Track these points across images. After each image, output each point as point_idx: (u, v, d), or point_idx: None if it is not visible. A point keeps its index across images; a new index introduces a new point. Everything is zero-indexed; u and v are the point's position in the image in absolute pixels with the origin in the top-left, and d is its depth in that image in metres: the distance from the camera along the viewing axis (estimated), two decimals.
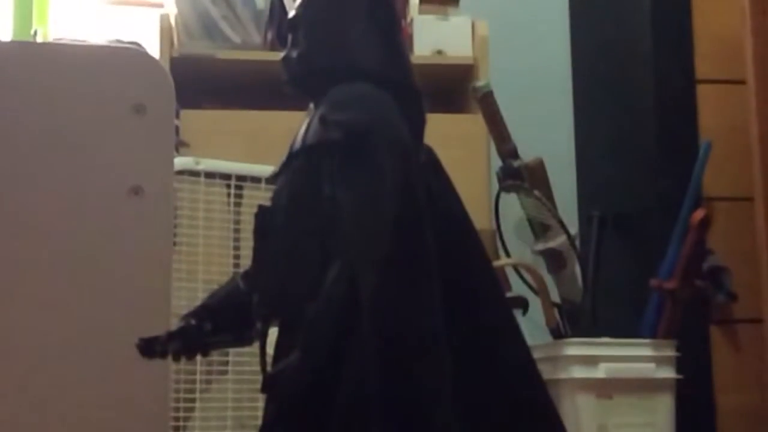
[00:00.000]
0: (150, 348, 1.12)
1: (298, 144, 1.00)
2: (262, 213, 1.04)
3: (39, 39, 2.62)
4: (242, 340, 1.12)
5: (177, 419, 2.03)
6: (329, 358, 0.91)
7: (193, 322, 1.12)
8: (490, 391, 0.96)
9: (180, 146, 2.38)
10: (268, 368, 1.01)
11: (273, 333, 1.03)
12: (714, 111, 2.61)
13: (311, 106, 1.03)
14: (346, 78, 0.99)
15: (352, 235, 0.91)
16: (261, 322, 1.04)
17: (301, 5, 1.03)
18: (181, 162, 2.10)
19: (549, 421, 1.02)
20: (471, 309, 0.97)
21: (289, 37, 1.03)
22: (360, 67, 1.00)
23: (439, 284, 0.94)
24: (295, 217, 0.98)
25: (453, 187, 1.02)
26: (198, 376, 2.07)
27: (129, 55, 1.61)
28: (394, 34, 1.02)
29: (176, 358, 1.13)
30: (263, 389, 0.98)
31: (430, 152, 1.02)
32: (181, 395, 2.04)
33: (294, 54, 1.02)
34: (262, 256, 1.04)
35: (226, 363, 2.09)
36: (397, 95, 0.99)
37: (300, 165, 0.99)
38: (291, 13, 1.03)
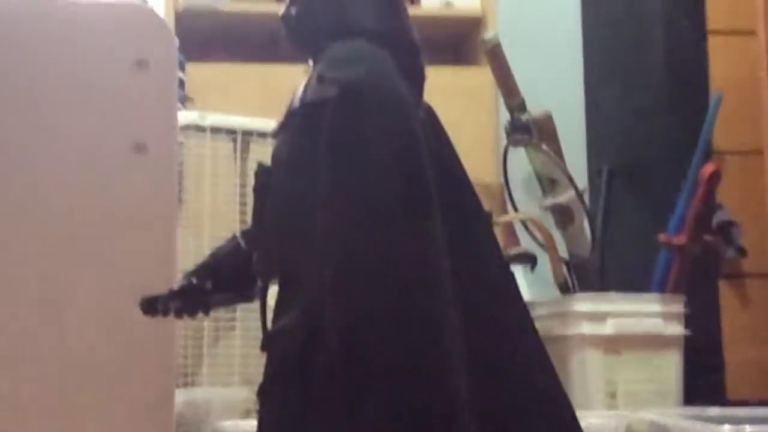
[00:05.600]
0: (151, 306, 1.12)
1: (296, 102, 0.99)
2: (262, 171, 1.03)
3: None
4: (243, 298, 1.12)
5: (185, 374, 2.04)
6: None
7: (194, 280, 1.11)
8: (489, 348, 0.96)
9: (185, 101, 2.37)
10: (269, 326, 1.00)
11: (274, 291, 1.03)
12: (725, 63, 2.58)
13: (310, 63, 1.02)
14: (344, 36, 0.98)
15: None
16: (261, 280, 1.04)
17: None
18: (186, 117, 2.09)
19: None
20: (471, 272, 0.96)
21: None
22: (358, 24, 0.99)
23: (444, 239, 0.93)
24: (294, 176, 0.97)
25: (452, 144, 1.01)
26: (206, 332, 2.08)
27: (131, 11, 1.60)
28: None
29: (178, 316, 1.13)
30: (262, 348, 0.98)
31: (429, 109, 1.01)
32: (189, 351, 2.05)
33: (292, 11, 1.01)
34: (262, 214, 1.03)
35: (234, 319, 2.09)
36: (396, 52, 0.98)
37: (298, 123, 0.98)
38: None
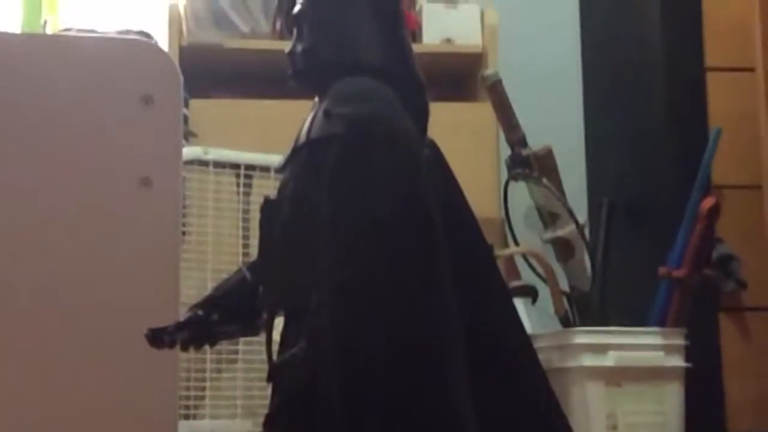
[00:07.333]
0: (158, 338, 1.12)
1: (302, 138, 1.01)
2: (267, 205, 1.04)
3: (48, 29, 2.63)
4: (249, 331, 1.13)
5: (187, 407, 2.05)
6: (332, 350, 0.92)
7: (200, 312, 1.12)
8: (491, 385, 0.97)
9: (189, 136, 2.38)
10: (275, 358, 1.01)
11: (280, 323, 1.04)
12: (724, 98, 2.60)
13: (315, 100, 1.03)
14: (350, 72, 1.00)
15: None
16: (267, 312, 1.05)
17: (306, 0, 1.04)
18: (190, 152, 2.11)
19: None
20: (475, 309, 0.97)
21: (294, 32, 1.04)
22: (364, 61, 1.00)
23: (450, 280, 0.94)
24: (300, 211, 0.99)
25: (456, 180, 1.02)
26: (208, 365, 2.09)
27: (137, 47, 1.62)
28: (397, 29, 1.03)
29: (184, 348, 1.14)
30: (269, 379, 0.99)
31: (433, 145, 1.03)
32: (192, 383, 2.06)
33: (299, 48, 1.03)
34: (268, 247, 1.04)
35: (236, 351, 2.10)
36: (401, 89, 0.99)
37: (304, 159, 0.99)
38: (296, 8, 1.03)
